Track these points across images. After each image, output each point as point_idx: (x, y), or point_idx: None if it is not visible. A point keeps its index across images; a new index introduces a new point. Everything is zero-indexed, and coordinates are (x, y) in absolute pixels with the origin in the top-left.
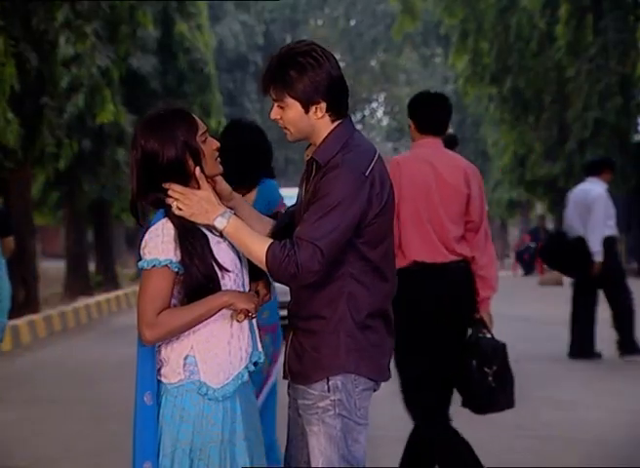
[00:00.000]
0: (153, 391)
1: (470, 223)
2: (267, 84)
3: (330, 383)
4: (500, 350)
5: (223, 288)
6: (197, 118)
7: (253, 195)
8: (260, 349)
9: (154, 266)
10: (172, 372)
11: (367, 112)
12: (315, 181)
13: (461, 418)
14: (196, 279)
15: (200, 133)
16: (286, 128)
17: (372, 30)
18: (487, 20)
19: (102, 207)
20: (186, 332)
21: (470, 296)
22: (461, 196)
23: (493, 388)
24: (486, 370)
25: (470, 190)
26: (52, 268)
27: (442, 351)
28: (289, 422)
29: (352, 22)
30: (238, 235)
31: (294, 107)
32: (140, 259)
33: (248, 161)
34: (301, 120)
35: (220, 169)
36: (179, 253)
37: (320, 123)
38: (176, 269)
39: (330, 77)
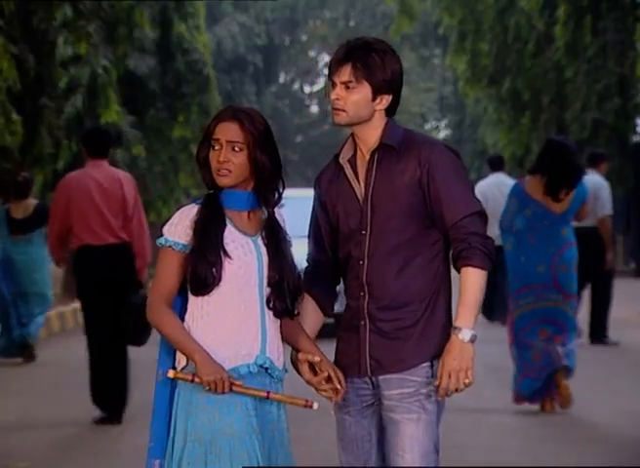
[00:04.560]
0: (164, 370)
1: (127, 216)
2: (345, 61)
3: (433, 368)
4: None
5: (227, 275)
6: (229, 127)
7: (572, 195)
8: (269, 354)
9: (162, 245)
10: (180, 358)
11: None
12: (402, 166)
13: (461, 420)
14: (199, 263)
15: (214, 137)
16: (343, 109)
17: (371, 31)
18: (485, 21)
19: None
20: (187, 323)
21: (130, 266)
22: (118, 197)
23: None
24: None
25: (124, 192)
26: (50, 269)
27: (111, 305)
28: (347, 425)
29: (352, 23)
30: (473, 310)
31: (363, 91)
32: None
33: (574, 171)
34: (366, 105)
35: (219, 183)
36: (190, 234)
37: (378, 114)
38: (181, 249)
39: (401, 74)
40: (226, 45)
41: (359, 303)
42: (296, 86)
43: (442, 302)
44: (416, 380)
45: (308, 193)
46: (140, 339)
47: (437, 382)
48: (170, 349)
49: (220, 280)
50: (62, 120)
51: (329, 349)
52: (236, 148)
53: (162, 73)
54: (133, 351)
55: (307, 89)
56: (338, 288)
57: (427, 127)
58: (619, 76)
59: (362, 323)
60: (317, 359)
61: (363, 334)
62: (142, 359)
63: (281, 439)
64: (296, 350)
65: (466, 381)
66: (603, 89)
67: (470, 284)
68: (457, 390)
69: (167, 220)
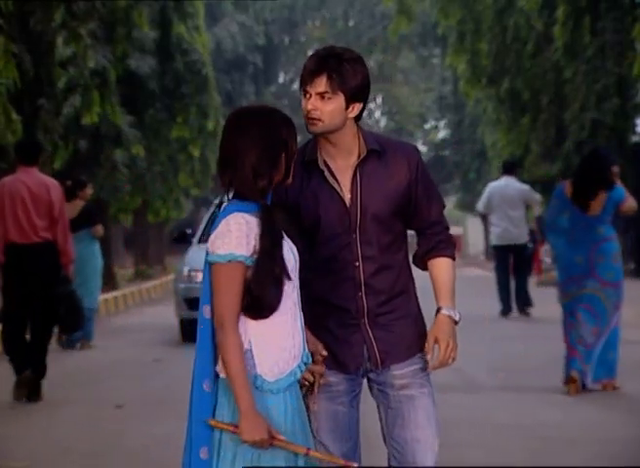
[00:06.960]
0: (211, 379)
1: (54, 218)
2: (320, 73)
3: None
4: (72, 292)
5: (285, 293)
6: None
7: (604, 197)
8: (307, 350)
9: (229, 261)
10: (222, 368)
11: (365, 113)
12: (391, 168)
13: (461, 418)
14: (264, 277)
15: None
16: (320, 119)
17: (370, 31)
18: (484, 22)
19: (100, 207)
20: (245, 327)
21: (55, 262)
22: (45, 201)
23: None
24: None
25: (51, 197)
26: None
27: (37, 296)
28: (340, 416)
29: (350, 23)
30: (454, 294)
31: (338, 101)
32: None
33: (608, 176)
34: (340, 114)
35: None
36: (251, 247)
37: (349, 121)
38: (248, 263)
39: (369, 82)
40: (226, 45)
41: (357, 303)
42: (295, 86)
43: (415, 290)
44: (421, 357)
45: None
46: (73, 327)
47: (430, 355)
48: (208, 362)
49: (280, 302)
50: (61, 120)
51: None
52: None
53: (161, 73)
54: (132, 350)
55: None
56: None
57: (427, 127)
58: (617, 76)
59: (362, 321)
60: (325, 353)
61: (366, 332)
62: (141, 358)
63: (308, 439)
64: None
65: (455, 358)
66: (602, 89)
67: (451, 271)
68: (445, 365)
69: (210, 233)
